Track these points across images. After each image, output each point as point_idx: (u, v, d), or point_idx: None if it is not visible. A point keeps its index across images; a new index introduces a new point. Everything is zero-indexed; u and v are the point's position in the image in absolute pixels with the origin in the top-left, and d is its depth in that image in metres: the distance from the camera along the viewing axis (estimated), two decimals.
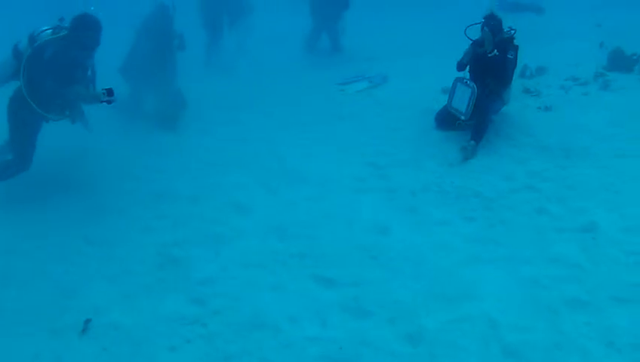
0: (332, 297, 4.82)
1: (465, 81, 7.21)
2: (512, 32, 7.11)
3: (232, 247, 5.50)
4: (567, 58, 9.84)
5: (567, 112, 7.75)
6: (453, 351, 4.25)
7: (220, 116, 8.64)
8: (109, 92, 5.68)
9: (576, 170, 6.30)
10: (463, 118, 7.11)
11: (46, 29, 5.91)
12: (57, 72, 5.82)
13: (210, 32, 11.49)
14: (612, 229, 5.28)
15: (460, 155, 6.81)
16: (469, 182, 6.32)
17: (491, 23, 7.02)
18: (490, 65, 7.07)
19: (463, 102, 7.13)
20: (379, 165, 6.83)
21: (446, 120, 7.44)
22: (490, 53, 7.02)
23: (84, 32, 5.85)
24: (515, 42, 7.09)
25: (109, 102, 5.73)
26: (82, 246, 5.58)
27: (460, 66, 7.32)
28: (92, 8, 6.31)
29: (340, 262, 5.22)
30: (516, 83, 7.72)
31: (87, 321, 4.66)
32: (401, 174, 6.58)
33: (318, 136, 7.81)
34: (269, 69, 10.95)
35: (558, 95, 8.37)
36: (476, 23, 7.16)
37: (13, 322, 4.71)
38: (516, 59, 7.14)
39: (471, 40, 7.22)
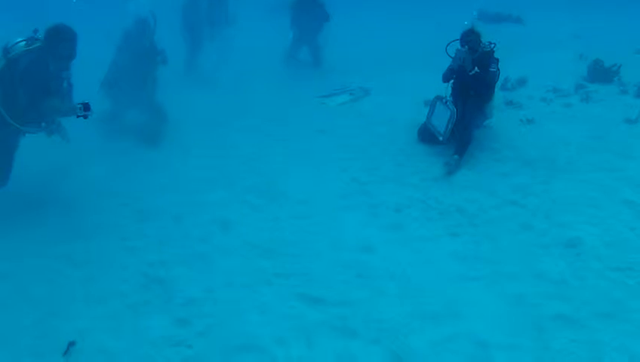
0: (318, 317, 4.77)
1: (445, 101, 7.23)
2: (492, 45, 7.14)
3: (217, 267, 5.44)
4: (547, 69, 9.93)
5: (549, 125, 7.82)
6: None
7: (201, 131, 8.56)
8: (85, 107, 5.57)
9: (559, 184, 6.35)
10: (441, 138, 7.13)
11: (20, 41, 5.78)
12: (32, 85, 5.70)
13: (191, 42, 11.43)
14: (596, 244, 5.32)
15: (443, 170, 6.82)
16: (453, 197, 6.33)
17: (470, 39, 7.04)
18: (472, 81, 7.10)
19: (441, 122, 7.15)
20: (362, 181, 6.82)
21: (429, 134, 7.45)
22: (470, 71, 7.04)
23: (59, 42, 5.73)
24: (496, 55, 7.13)
25: (85, 116, 5.62)
26: (64, 267, 5.47)
27: (446, 78, 7.34)
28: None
29: (326, 281, 5.18)
30: (498, 95, 7.75)
31: (71, 344, 4.57)
32: (384, 190, 6.57)
33: (300, 151, 7.77)
34: (250, 81, 10.90)
35: (539, 107, 8.44)
36: (456, 40, 7.18)
37: None
38: (498, 72, 7.18)
39: (451, 57, 7.22)
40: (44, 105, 5.81)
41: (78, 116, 5.59)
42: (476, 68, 7.00)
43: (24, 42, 5.78)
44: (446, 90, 7.37)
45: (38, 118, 5.95)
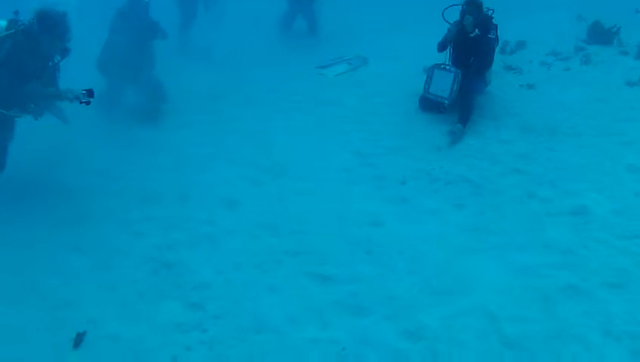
0: (330, 295, 4.83)
1: (443, 66, 7.16)
2: (490, 12, 7.06)
3: (225, 248, 5.46)
4: (546, 31, 9.79)
5: (549, 89, 7.77)
6: (453, 347, 4.30)
7: (199, 107, 8.45)
8: (89, 93, 5.52)
9: (563, 150, 6.35)
10: (447, 102, 7.08)
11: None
12: (14, 68, 5.59)
13: (185, 13, 11.24)
14: (602, 212, 5.34)
15: (447, 139, 6.80)
16: (457, 167, 6.33)
17: (471, 9, 6.93)
18: (473, 45, 7.02)
19: (445, 87, 7.09)
20: (365, 153, 6.79)
21: (430, 102, 7.39)
22: (471, 33, 6.96)
23: (52, 24, 5.62)
24: (494, 22, 7.06)
25: (87, 103, 5.57)
26: (72, 256, 5.48)
27: (441, 47, 7.24)
28: None
29: (335, 258, 5.22)
30: (497, 59, 7.65)
31: (81, 335, 4.60)
32: (388, 162, 6.56)
33: (301, 124, 7.70)
34: (246, 53, 10.74)
35: (539, 71, 8.38)
36: (454, 5, 7.08)
37: (7, 341, 4.62)
38: (497, 38, 7.13)
39: (449, 23, 7.13)
40: (28, 89, 5.72)
41: (81, 102, 5.53)
42: (477, 30, 6.90)
43: (5, 23, 5.65)
44: (445, 58, 7.29)
45: (24, 101, 5.84)
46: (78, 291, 5.07)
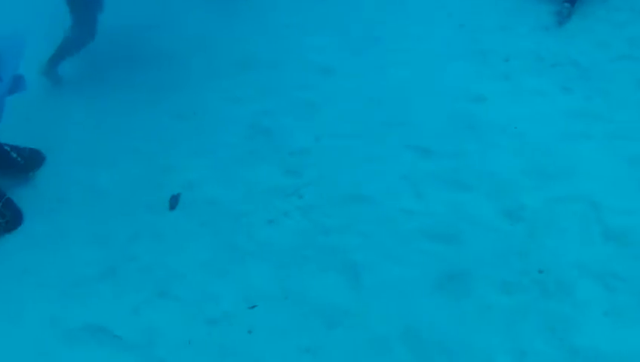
0: (429, 168, 4.77)
1: None
2: None
3: (324, 115, 5.40)
4: None
5: None
6: (552, 231, 4.21)
7: None
8: None
9: None
10: None
11: None
12: None
13: None
14: None
15: (554, 19, 6.38)
16: (564, 48, 5.94)
17: None
18: None
19: None
20: (468, 27, 6.41)
21: None
22: None
23: None
24: None
25: None
26: (171, 121, 5.54)
27: None
28: None
29: (436, 131, 5.10)
30: None
31: (176, 196, 4.71)
32: (492, 38, 6.18)
33: None
34: None
35: None
36: None
37: (108, 202, 4.83)
38: None
39: None
40: None
41: None
42: None
43: None
44: None
45: None
46: (177, 155, 5.17)
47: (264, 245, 4.39)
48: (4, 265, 4.43)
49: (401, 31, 6.44)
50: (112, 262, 4.36)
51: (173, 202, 4.71)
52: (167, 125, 5.52)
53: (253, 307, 4.00)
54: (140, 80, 6.11)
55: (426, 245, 4.24)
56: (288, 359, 3.70)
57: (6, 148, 4.84)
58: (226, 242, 4.44)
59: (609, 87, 5.42)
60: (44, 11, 6.36)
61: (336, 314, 3.91)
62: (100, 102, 5.93)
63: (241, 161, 5.06)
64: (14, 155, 4.89)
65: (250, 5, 7.23)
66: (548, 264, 4.01)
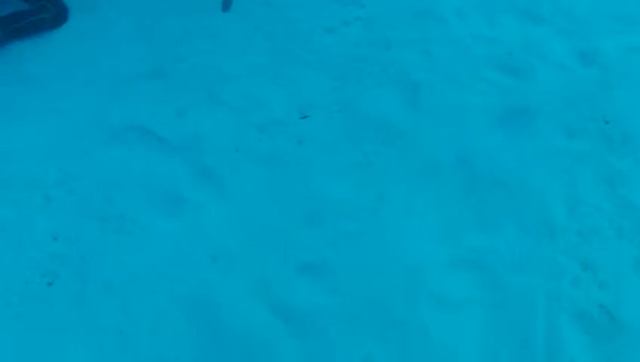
0: None
1: None
2: None
3: None
4: None
5: None
6: (625, 82, 4.00)
7: None
8: None
9: None
10: None
11: None
12: None
13: None
14: None
15: None
16: None
17: None
18: None
19: None
20: None
21: None
22: None
23: None
24: None
25: None
26: None
27: None
28: None
29: None
30: None
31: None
32: None
33: None
34: None
35: None
36: None
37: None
38: None
39: None
40: None
41: None
42: None
43: None
44: None
45: None
46: None
47: (321, 54, 4.08)
48: (51, 60, 4.05)
49: None
50: (161, 61, 3.99)
51: (227, 3, 4.31)
52: None
53: (304, 117, 3.80)
54: None
55: (493, 75, 4.02)
56: (337, 172, 3.58)
57: None
58: (281, 48, 4.10)
59: None
60: None
61: (389, 132, 3.76)
62: None
63: None
64: None
65: None
66: (616, 116, 3.87)
